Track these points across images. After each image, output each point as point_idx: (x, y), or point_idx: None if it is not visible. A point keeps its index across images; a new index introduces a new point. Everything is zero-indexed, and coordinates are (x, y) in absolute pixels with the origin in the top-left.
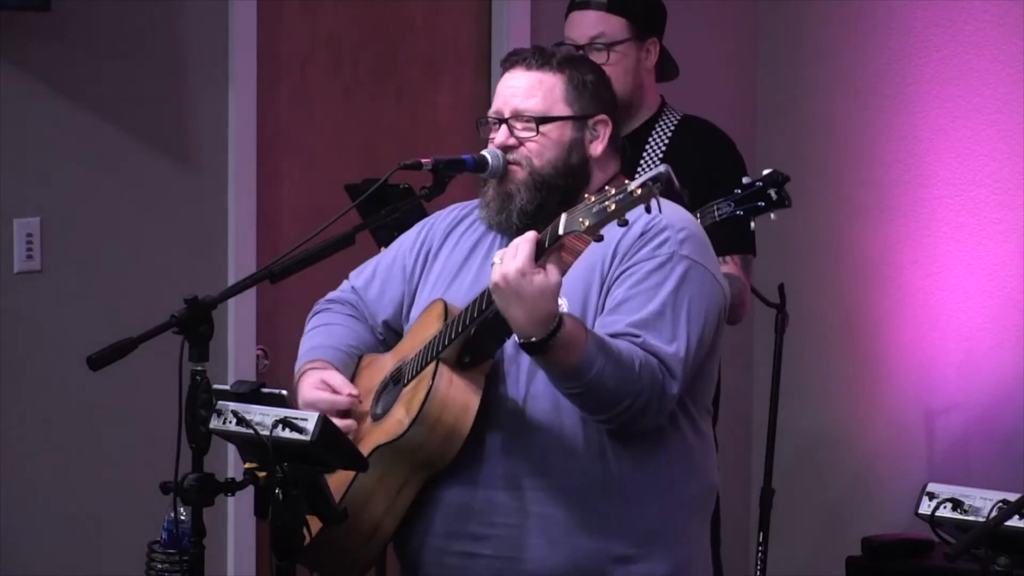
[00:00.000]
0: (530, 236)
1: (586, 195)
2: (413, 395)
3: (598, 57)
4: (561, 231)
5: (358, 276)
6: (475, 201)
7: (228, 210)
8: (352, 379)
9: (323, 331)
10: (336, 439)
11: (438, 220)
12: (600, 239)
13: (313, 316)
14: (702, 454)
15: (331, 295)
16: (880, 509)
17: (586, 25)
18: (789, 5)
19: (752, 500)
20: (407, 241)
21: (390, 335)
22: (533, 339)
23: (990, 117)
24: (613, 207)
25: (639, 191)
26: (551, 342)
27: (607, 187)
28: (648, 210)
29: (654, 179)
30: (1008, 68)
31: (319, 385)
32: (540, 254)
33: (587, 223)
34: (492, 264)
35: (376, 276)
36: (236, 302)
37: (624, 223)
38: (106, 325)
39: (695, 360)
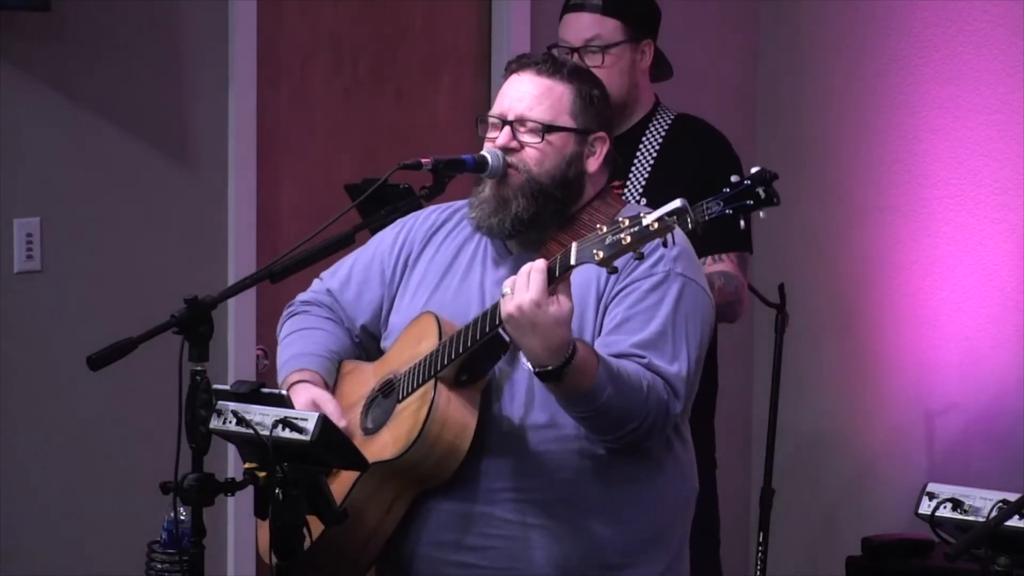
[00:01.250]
0: (541, 266)
1: (598, 225)
2: (412, 413)
3: (593, 59)
4: (573, 262)
5: (332, 277)
6: (456, 203)
7: (228, 210)
8: (333, 386)
9: (303, 336)
10: (336, 439)
11: (417, 222)
12: (615, 271)
13: (289, 318)
14: (687, 461)
15: (305, 296)
16: (880, 509)
17: (581, 27)
18: (789, 5)
19: (752, 500)
20: (385, 242)
21: (367, 339)
22: (549, 367)
23: (990, 117)
24: (628, 240)
25: (656, 225)
26: (566, 370)
27: (620, 219)
28: (665, 244)
29: (670, 213)
30: (1008, 68)
31: (310, 408)
32: (549, 282)
33: (601, 255)
34: (503, 295)
35: (352, 278)
36: (236, 302)
37: (640, 256)
38: (106, 325)
39: (695, 377)
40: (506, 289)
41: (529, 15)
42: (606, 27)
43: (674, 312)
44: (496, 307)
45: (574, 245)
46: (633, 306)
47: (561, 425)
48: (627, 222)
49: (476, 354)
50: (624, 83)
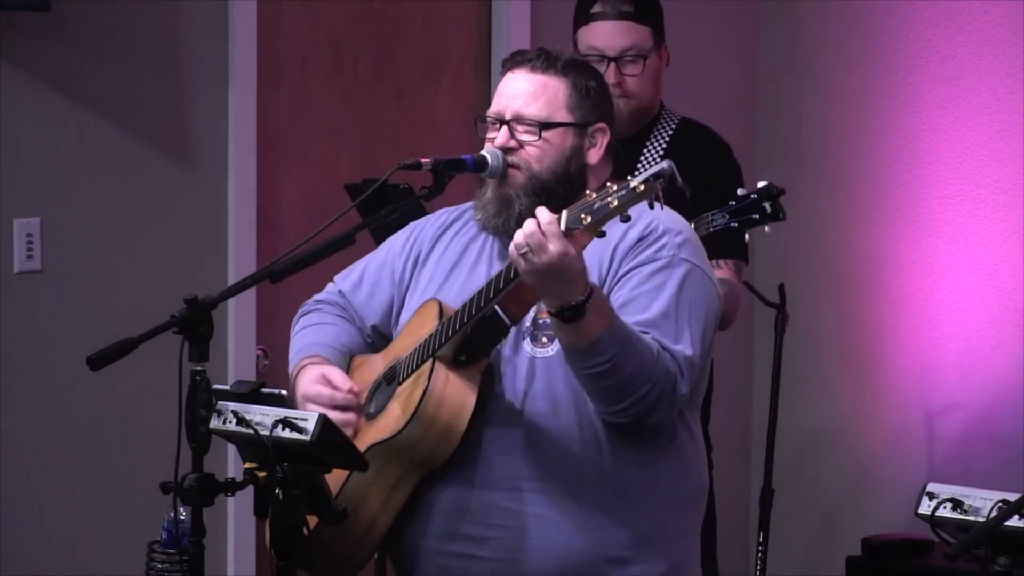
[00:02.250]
0: (543, 211)
1: (587, 191)
2: (409, 393)
3: (634, 68)
4: (563, 227)
5: (345, 279)
6: (464, 205)
7: (228, 210)
8: None
9: (315, 330)
10: (336, 439)
11: (427, 224)
12: (602, 235)
13: (302, 316)
14: (695, 456)
15: (319, 297)
16: (880, 509)
17: (616, 36)
18: (789, 5)
19: (752, 500)
20: (396, 245)
21: (379, 339)
22: (572, 302)
23: (990, 117)
24: (615, 203)
25: (642, 187)
26: (588, 303)
27: (608, 184)
28: (651, 206)
29: (656, 175)
30: (1008, 68)
31: (319, 379)
32: None
33: (589, 219)
34: (521, 253)
35: (364, 280)
36: (236, 302)
37: (627, 219)
38: (106, 325)
39: (701, 363)
40: (523, 249)
41: (529, 15)
42: (640, 35)
43: (677, 296)
44: (490, 285)
45: (564, 212)
46: (636, 288)
47: (562, 412)
48: (615, 187)
49: (474, 333)
50: (653, 89)
